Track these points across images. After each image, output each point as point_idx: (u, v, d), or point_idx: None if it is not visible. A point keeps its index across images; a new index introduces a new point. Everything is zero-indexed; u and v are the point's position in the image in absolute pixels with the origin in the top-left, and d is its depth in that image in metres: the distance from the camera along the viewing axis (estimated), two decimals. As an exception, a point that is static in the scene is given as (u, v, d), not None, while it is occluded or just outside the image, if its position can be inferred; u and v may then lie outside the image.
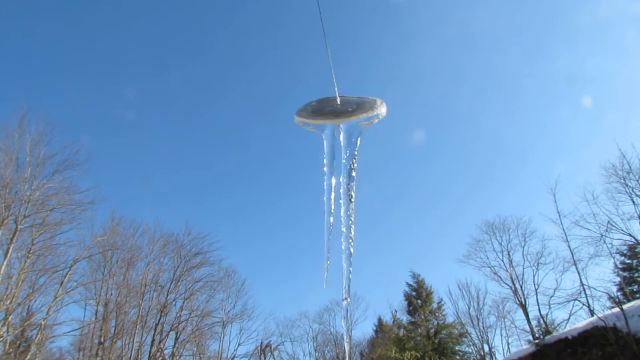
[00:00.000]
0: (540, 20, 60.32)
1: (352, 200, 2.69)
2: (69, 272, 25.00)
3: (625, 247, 28.97)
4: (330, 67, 2.84)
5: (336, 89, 2.87)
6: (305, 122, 2.82)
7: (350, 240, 2.72)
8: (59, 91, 54.70)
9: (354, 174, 2.68)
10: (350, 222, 2.73)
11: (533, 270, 31.66)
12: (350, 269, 2.75)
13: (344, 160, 2.69)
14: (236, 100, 68.90)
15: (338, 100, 2.88)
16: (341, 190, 2.64)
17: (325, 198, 2.72)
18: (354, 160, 2.67)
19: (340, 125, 2.77)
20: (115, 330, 30.49)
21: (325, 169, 2.69)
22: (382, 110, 2.76)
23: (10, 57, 43.18)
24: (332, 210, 2.71)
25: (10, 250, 20.85)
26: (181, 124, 66.12)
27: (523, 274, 32.01)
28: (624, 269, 30.09)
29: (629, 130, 54.53)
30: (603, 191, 27.15)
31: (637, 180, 25.51)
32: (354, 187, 2.68)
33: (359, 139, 2.71)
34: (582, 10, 56.73)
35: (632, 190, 25.65)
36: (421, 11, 67.22)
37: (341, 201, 2.66)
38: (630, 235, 25.83)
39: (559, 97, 58.71)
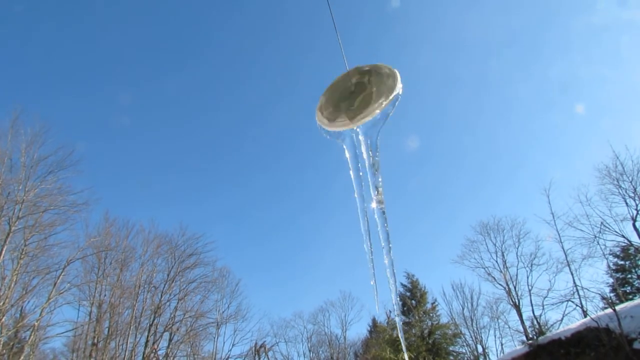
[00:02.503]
0: (534, 26, 60.63)
1: (384, 210, 2.66)
2: (63, 273, 24.87)
3: (618, 249, 29.16)
4: (337, 35, 2.80)
5: (345, 60, 2.82)
6: (325, 129, 2.79)
7: (390, 250, 2.71)
8: (53, 94, 54.51)
9: (379, 179, 2.66)
10: (386, 231, 2.70)
11: (527, 271, 31.83)
12: (396, 284, 2.76)
13: (367, 164, 2.67)
14: (231, 103, 68.97)
15: (347, 70, 2.80)
16: (373, 205, 2.67)
17: (360, 218, 2.70)
18: (377, 167, 2.64)
19: (358, 129, 2.74)
20: (109, 331, 30.35)
21: (354, 185, 2.70)
22: (397, 89, 2.70)
23: (4, 61, 42.91)
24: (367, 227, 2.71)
25: (3, 252, 20.72)
26: (177, 127, 66.13)
27: (517, 275, 32.18)
28: (617, 270, 30.27)
29: (622, 135, 54.97)
30: (596, 192, 27.30)
31: (631, 182, 25.65)
32: (382, 194, 2.66)
33: (378, 139, 2.66)
34: (576, 17, 57.05)
35: (626, 192, 25.80)
36: (416, 17, 67.40)
37: (375, 216, 2.65)
38: (623, 236, 25.97)
39: (553, 102, 59.01)
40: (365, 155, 2.67)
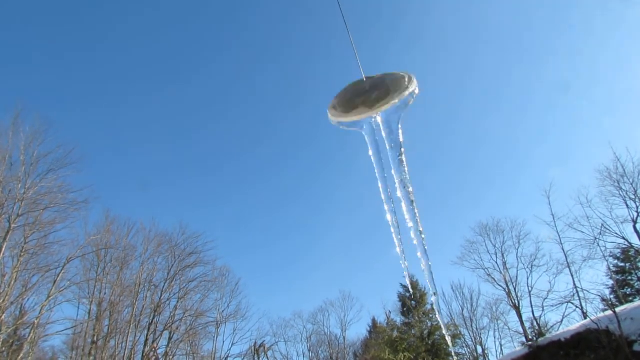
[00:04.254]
0: (537, 27, 60.59)
1: (411, 191, 2.61)
2: (62, 271, 24.86)
3: (618, 251, 29.16)
4: (352, 46, 2.77)
5: (361, 69, 2.76)
6: (341, 121, 2.74)
7: (421, 233, 2.69)
8: (56, 96, 54.80)
9: (404, 160, 2.61)
10: (415, 214, 2.64)
11: (527, 272, 31.82)
12: (430, 263, 2.74)
13: (389, 149, 2.62)
14: (238, 109, 69.22)
15: (364, 78, 2.76)
16: (396, 184, 2.63)
17: (383, 197, 2.68)
18: (402, 150, 2.61)
19: (378, 117, 2.66)
20: (108, 330, 30.35)
21: (375, 168, 2.67)
22: (413, 86, 2.66)
23: (7, 61, 43.08)
24: (392, 207, 2.66)
25: (3, 249, 20.71)
26: (179, 126, 66.32)
27: (517, 276, 32.17)
28: (617, 272, 30.23)
29: (624, 135, 54.81)
30: (597, 194, 27.34)
31: (631, 184, 25.65)
32: (408, 177, 2.61)
33: (400, 123, 2.64)
34: (577, 17, 57.02)
35: (626, 194, 25.80)
36: (418, 16, 67.48)
37: (399, 195, 2.62)
38: (623, 238, 25.99)
39: (554, 102, 58.94)
40: (386, 141, 2.65)
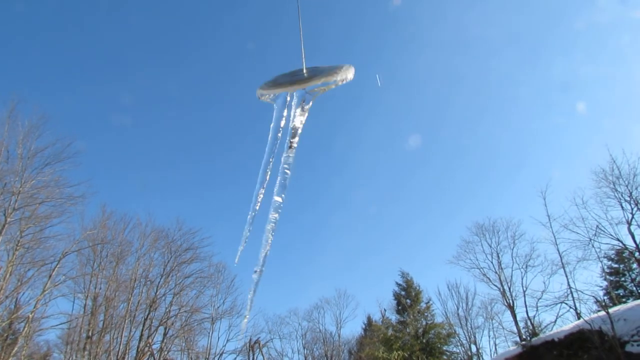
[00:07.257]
0: (536, 26, 60.73)
1: (288, 172, 2.76)
2: (58, 266, 24.87)
3: (612, 252, 29.35)
4: (301, 39, 2.83)
5: (303, 59, 2.81)
6: (262, 92, 2.78)
7: (280, 203, 2.79)
8: (52, 89, 54.56)
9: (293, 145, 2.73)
10: (282, 192, 2.78)
11: (522, 272, 31.93)
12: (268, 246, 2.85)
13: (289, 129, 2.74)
14: (232, 100, 69.12)
15: (305, 70, 2.81)
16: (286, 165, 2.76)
17: (261, 170, 2.78)
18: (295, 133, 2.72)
19: (294, 94, 2.73)
20: (103, 325, 30.31)
21: (269, 137, 2.75)
22: (345, 75, 2.71)
23: (4, 57, 42.88)
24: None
25: (-2, 243, 20.70)
26: (176, 122, 66.24)
27: (512, 276, 32.29)
28: (611, 274, 30.45)
29: (623, 136, 55.06)
30: (593, 196, 27.48)
31: (627, 186, 25.78)
32: (293, 155, 2.74)
33: (304, 106, 2.72)
34: (578, 17, 57.13)
35: (621, 196, 25.92)
36: (419, 16, 67.49)
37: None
38: (618, 240, 26.13)
39: (554, 102, 59.08)
40: (291, 119, 2.71)
